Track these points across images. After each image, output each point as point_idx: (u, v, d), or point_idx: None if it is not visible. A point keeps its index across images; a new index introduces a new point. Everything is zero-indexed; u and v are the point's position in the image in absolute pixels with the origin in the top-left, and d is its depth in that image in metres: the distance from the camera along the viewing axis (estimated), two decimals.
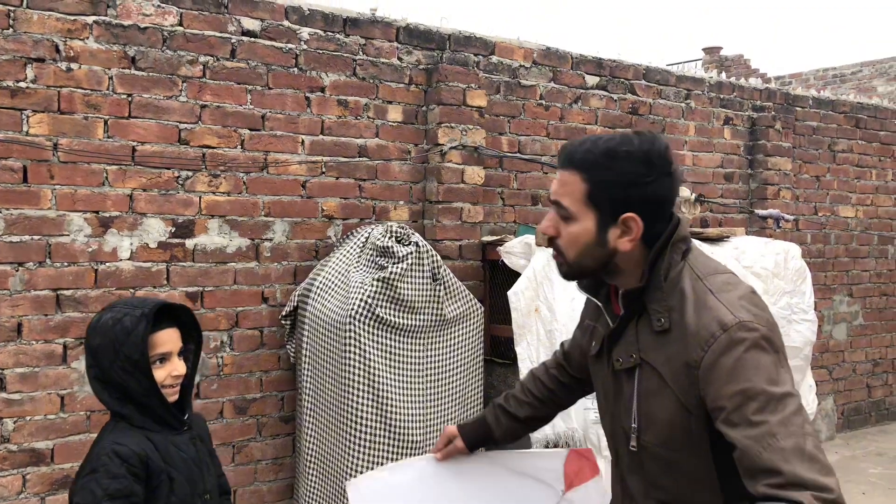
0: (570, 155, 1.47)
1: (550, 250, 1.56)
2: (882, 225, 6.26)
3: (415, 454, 3.38)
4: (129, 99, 3.35)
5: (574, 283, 1.65)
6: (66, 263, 3.25)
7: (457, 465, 1.88)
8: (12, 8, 3.10)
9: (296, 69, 3.73)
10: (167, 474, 1.74)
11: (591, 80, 4.69)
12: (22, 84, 3.13)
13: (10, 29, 3.11)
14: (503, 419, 1.89)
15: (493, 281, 4.15)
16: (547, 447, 3.29)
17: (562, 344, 1.95)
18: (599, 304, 1.59)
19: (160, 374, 1.77)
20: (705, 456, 1.41)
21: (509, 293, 3.61)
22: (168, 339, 1.80)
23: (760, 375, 1.30)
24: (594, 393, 1.74)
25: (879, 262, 6.26)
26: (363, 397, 3.29)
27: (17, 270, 3.16)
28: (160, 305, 1.79)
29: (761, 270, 4.02)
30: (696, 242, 1.57)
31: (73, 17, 3.22)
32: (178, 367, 1.81)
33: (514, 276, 3.80)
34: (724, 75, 5.61)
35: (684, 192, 4.77)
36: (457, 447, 1.88)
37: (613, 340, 1.53)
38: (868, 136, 6.14)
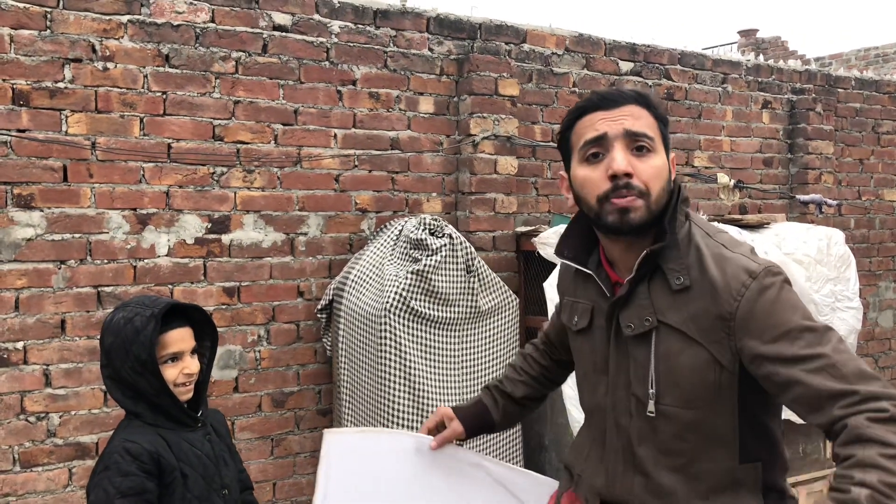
0: (629, 93, 1.47)
1: (623, 197, 1.42)
2: None
3: None
4: (164, 97, 3.38)
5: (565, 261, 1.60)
6: (105, 260, 3.30)
7: (440, 454, 1.76)
8: (49, 9, 3.15)
9: (327, 63, 3.73)
10: (180, 471, 1.75)
11: (626, 66, 4.61)
12: (60, 84, 3.18)
13: (48, 30, 3.15)
14: (500, 400, 1.84)
15: (528, 272, 4.12)
16: None
17: (543, 330, 1.93)
18: (591, 273, 1.54)
19: (172, 372, 1.79)
20: (730, 413, 1.40)
21: (545, 284, 3.58)
22: (179, 338, 1.82)
23: (798, 313, 1.34)
24: None
25: None
26: (399, 390, 3.30)
27: (59, 268, 3.22)
28: (170, 305, 1.80)
29: (803, 257, 3.92)
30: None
31: (108, 17, 3.25)
32: (191, 365, 1.83)
33: (548, 266, 3.76)
34: (761, 58, 5.47)
35: (722, 178, 4.68)
36: (455, 431, 1.78)
37: (620, 307, 1.48)
38: None
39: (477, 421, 1.81)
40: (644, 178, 1.41)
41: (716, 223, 1.58)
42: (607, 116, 1.44)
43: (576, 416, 3.32)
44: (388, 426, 3.30)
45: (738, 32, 13.01)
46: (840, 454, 1.23)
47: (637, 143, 1.42)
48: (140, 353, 1.73)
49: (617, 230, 1.44)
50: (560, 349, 1.86)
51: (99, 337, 1.83)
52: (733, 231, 3.66)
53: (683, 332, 1.40)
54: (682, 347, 1.40)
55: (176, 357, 1.81)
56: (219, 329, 3.45)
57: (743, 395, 1.40)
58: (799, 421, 3.66)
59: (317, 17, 3.70)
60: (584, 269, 1.55)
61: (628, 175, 1.40)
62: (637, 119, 1.44)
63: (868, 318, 5.69)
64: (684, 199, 1.48)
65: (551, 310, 3.51)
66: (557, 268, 3.57)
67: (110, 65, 3.27)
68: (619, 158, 1.40)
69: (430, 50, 4.00)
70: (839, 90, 5.56)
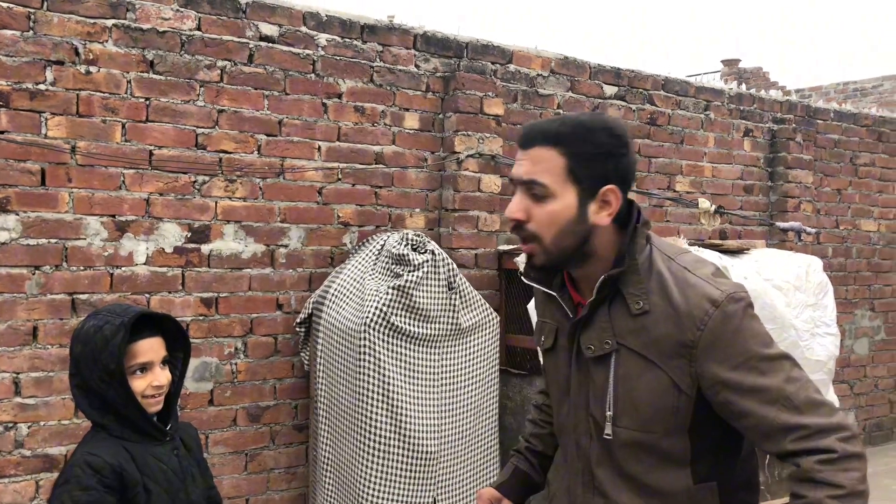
0: (541, 131, 1.43)
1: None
2: None
3: (429, 464, 3.33)
4: (147, 103, 3.35)
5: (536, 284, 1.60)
6: (82, 267, 3.24)
7: None
8: (32, 10, 3.12)
9: (313, 75, 3.72)
10: (144, 486, 1.70)
11: (610, 89, 4.65)
12: (41, 86, 3.14)
13: (31, 31, 3.12)
14: (534, 460, 1.81)
15: (509, 290, 4.11)
16: None
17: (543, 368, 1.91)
18: (555, 294, 1.54)
19: (140, 384, 1.74)
20: (683, 437, 1.42)
21: (529, 307, 3.56)
22: (149, 348, 1.77)
23: (756, 342, 1.38)
24: None
25: None
26: (377, 406, 3.25)
27: (33, 274, 3.15)
28: (141, 314, 1.75)
29: (783, 283, 3.95)
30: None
31: (92, 21, 3.22)
32: (160, 377, 1.78)
33: (529, 285, 3.75)
34: (743, 87, 5.55)
35: (703, 203, 4.71)
36: None
37: (581, 328, 1.49)
38: (891, 150, 6.06)
39: (523, 490, 1.79)
40: (536, 224, 1.42)
41: (684, 244, 1.55)
42: (519, 158, 1.46)
43: None
44: (364, 443, 3.25)
45: (722, 61, 13.22)
46: (792, 489, 1.32)
47: (531, 191, 1.43)
48: (108, 362, 1.68)
49: (527, 273, 1.52)
50: None
51: (70, 345, 1.78)
52: (713, 256, 3.68)
53: (643, 356, 1.41)
54: (642, 371, 1.42)
55: (145, 367, 1.76)
56: (195, 340, 3.43)
57: (698, 418, 1.42)
58: None
59: (304, 29, 3.69)
60: (548, 291, 1.56)
61: (518, 220, 1.44)
62: (535, 164, 1.42)
63: (844, 345, 5.74)
64: (645, 223, 1.48)
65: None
66: None
67: (93, 68, 3.23)
68: (511, 205, 1.45)
69: (417, 66, 4.01)
70: (819, 121, 5.66)
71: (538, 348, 1.66)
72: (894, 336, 6.14)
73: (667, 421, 1.41)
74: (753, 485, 1.55)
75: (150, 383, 1.75)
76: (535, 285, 1.59)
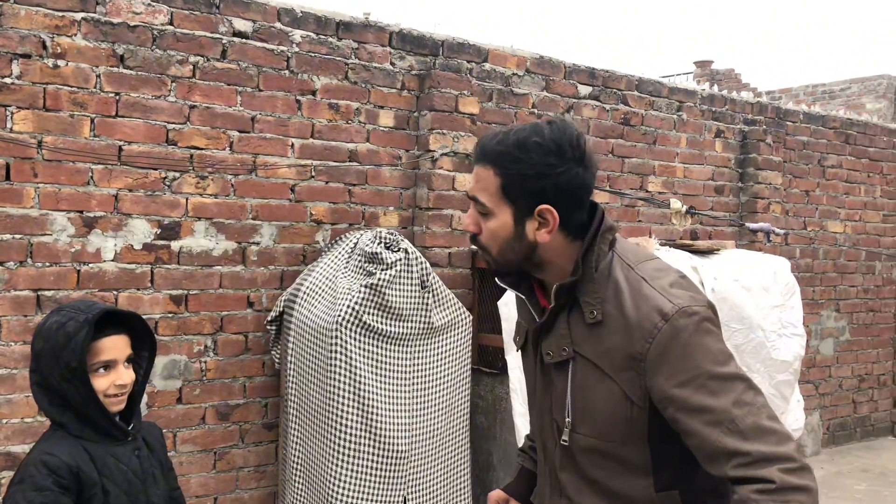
0: (482, 149, 1.46)
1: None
2: (870, 240, 6.28)
3: (399, 463, 3.33)
4: (117, 98, 3.30)
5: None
6: (47, 263, 3.18)
7: None
8: None
9: (287, 71, 3.69)
10: (102, 487, 1.67)
11: (584, 89, 4.67)
12: (7, 80, 3.07)
13: None
14: None
15: (483, 290, 4.12)
16: None
17: None
18: (522, 296, 1.56)
19: (103, 382, 1.71)
20: (642, 446, 1.41)
21: (499, 303, 3.58)
22: (113, 346, 1.73)
23: (707, 359, 1.33)
24: None
25: (867, 277, 6.28)
26: (348, 405, 3.25)
27: None
28: (105, 311, 1.72)
29: (752, 284, 4.00)
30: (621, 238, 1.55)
31: (61, 14, 3.16)
32: (123, 376, 1.74)
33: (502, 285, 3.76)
34: (715, 88, 5.61)
35: (675, 203, 4.76)
36: None
37: (542, 333, 1.50)
38: (857, 153, 6.17)
39: (529, 489, 1.77)
40: (484, 237, 1.48)
41: (643, 249, 1.54)
42: (473, 173, 1.49)
43: (522, 431, 3.32)
44: (335, 441, 3.24)
45: (694, 63, 13.35)
46: None
47: (476, 207, 1.48)
48: (70, 359, 1.64)
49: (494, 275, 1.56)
50: None
51: (31, 341, 1.75)
52: (683, 256, 3.72)
53: (597, 366, 1.41)
54: (596, 381, 1.41)
55: (108, 366, 1.72)
56: (165, 338, 3.39)
57: (654, 428, 1.40)
58: None
59: (278, 25, 3.66)
60: (517, 293, 1.58)
61: (473, 234, 1.49)
62: (477, 182, 1.47)
63: (810, 345, 5.84)
64: (608, 229, 1.46)
65: (506, 328, 3.51)
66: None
67: (61, 62, 3.17)
68: (466, 216, 1.50)
69: (392, 64, 4.00)
70: (788, 123, 5.74)
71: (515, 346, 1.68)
72: (858, 337, 6.26)
73: (622, 430, 1.41)
74: (721, 492, 1.52)
75: (112, 382, 1.72)
76: (505, 286, 1.60)
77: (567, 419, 1.44)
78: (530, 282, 1.56)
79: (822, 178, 5.95)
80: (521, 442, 3.35)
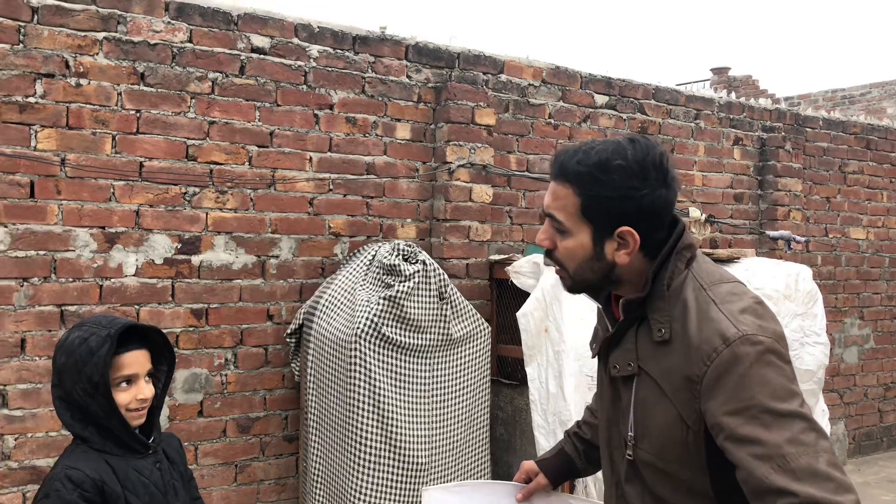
0: (561, 167, 1.42)
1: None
2: (893, 247, 6.19)
3: (419, 476, 3.33)
4: (138, 115, 3.35)
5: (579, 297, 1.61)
6: (70, 279, 3.23)
7: (533, 499, 1.80)
8: (23, 23, 3.11)
9: (304, 86, 3.73)
10: (125, 500, 1.69)
11: (601, 99, 4.67)
12: (31, 99, 3.13)
13: (21, 44, 3.11)
14: (581, 446, 1.82)
15: (501, 300, 4.12)
16: None
17: None
18: (600, 305, 1.56)
19: (125, 397, 1.73)
20: (701, 472, 1.36)
21: (518, 314, 3.57)
22: (135, 360, 1.76)
23: (764, 392, 1.26)
24: None
25: (891, 284, 6.19)
26: (368, 417, 3.25)
27: (21, 285, 3.14)
28: (127, 326, 1.74)
29: (772, 292, 3.96)
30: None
31: (83, 34, 3.22)
32: (145, 390, 1.77)
33: (521, 294, 3.76)
34: (733, 95, 5.58)
35: (694, 212, 4.73)
36: (539, 483, 1.78)
37: (611, 346, 1.49)
38: (879, 158, 6.10)
39: (561, 472, 1.81)
40: (559, 254, 1.46)
41: (725, 270, 1.50)
42: (548, 189, 1.48)
43: (543, 444, 3.30)
44: (355, 454, 3.25)
45: (711, 70, 13.27)
46: None
47: (552, 223, 1.45)
48: (93, 374, 1.67)
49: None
50: None
51: (53, 356, 1.77)
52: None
53: (658, 385, 1.39)
54: (657, 399, 1.40)
55: (130, 380, 1.75)
56: (185, 352, 3.42)
57: (712, 456, 1.35)
58: None
59: (295, 40, 3.70)
60: (595, 302, 1.58)
61: (547, 248, 1.47)
62: (554, 199, 1.44)
63: (834, 354, 5.77)
64: (686, 247, 1.43)
65: (525, 340, 3.50)
66: (531, 297, 3.57)
67: (84, 81, 3.23)
68: (540, 231, 1.48)
69: (409, 77, 4.02)
70: (808, 129, 5.69)
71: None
72: (883, 344, 6.17)
73: (679, 452, 1.37)
74: None
75: (134, 396, 1.74)
76: (584, 295, 1.58)
77: (630, 433, 1.43)
78: (608, 292, 1.55)
79: (843, 184, 5.89)
80: (541, 454, 3.33)
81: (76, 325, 1.78)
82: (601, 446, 1.61)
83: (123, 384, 1.73)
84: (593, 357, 1.63)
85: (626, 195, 1.37)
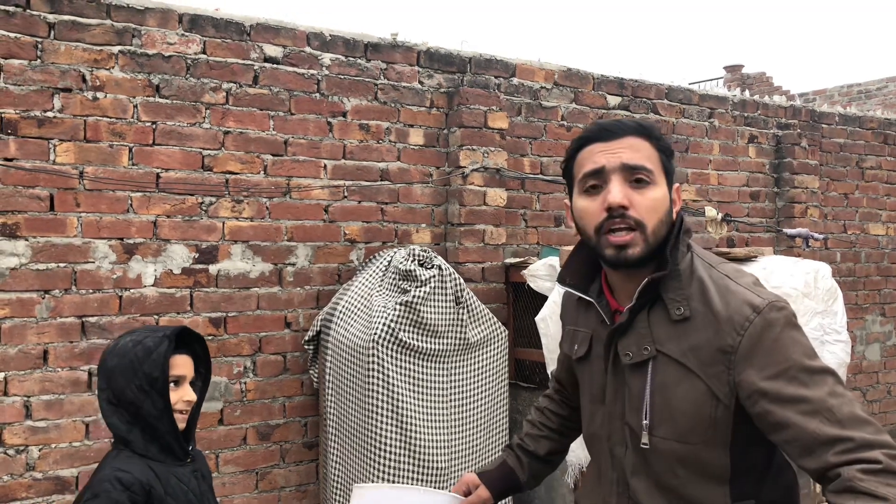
0: (629, 124, 1.46)
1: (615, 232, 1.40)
2: None
3: (439, 480, 3.33)
4: (154, 126, 3.38)
5: (564, 288, 1.60)
6: (91, 290, 3.27)
7: None
8: (40, 39, 3.16)
9: (318, 94, 3.75)
10: None
11: (613, 100, 4.66)
12: (49, 114, 3.18)
13: (38, 60, 3.16)
14: (525, 458, 1.79)
15: (517, 303, 4.11)
16: (583, 472, 3.23)
17: (551, 376, 1.88)
18: (592, 300, 1.53)
19: (173, 396, 1.79)
20: (723, 451, 1.39)
21: (537, 319, 3.57)
22: (183, 363, 1.83)
23: (798, 351, 1.32)
24: None
25: None
26: (387, 422, 3.26)
27: (43, 298, 3.18)
28: (181, 329, 1.83)
29: (791, 290, 3.93)
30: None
31: (99, 48, 3.26)
32: (190, 393, 1.83)
33: (537, 297, 3.75)
34: (746, 93, 5.55)
35: (710, 211, 4.71)
36: (480, 497, 1.72)
37: (619, 335, 1.47)
38: None
39: (503, 484, 1.75)
40: (640, 210, 1.40)
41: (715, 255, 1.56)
42: (606, 149, 1.43)
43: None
44: (374, 459, 3.25)
45: (724, 68, 13.21)
46: (829, 500, 1.24)
47: (635, 176, 1.41)
48: (152, 370, 1.73)
49: (614, 265, 1.44)
50: (573, 389, 1.79)
51: (98, 363, 1.83)
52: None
53: (682, 364, 1.39)
54: (679, 379, 1.39)
55: (178, 381, 1.82)
56: None
57: (737, 430, 1.38)
58: None
59: (308, 49, 3.73)
60: (585, 297, 1.55)
61: (624, 207, 1.39)
62: (636, 151, 1.42)
63: (856, 351, 5.71)
64: (686, 230, 1.47)
65: (546, 344, 3.49)
66: (549, 301, 3.56)
67: (100, 94, 3.27)
68: (615, 192, 1.40)
69: (421, 83, 4.03)
70: (823, 126, 5.64)
71: (570, 356, 1.65)
72: None
73: (704, 433, 1.38)
74: (791, 502, 1.50)
75: (181, 397, 1.81)
76: (572, 291, 1.58)
77: (644, 421, 1.42)
78: (600, 285, 1.55)
79: (860, 180, 5.83)
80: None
81: (123, 333, 1.85)
82: (595, 447, 1.57)
83: (172, 384, 1.79)
84: (577, 357, 1.60)
85: (673, 154, 1.48)
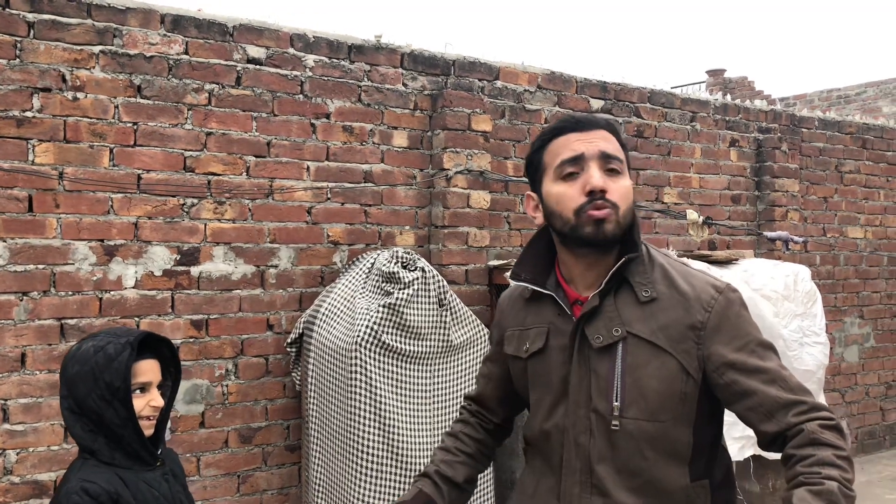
0: (592, 119, 1.56)
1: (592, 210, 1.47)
2: (891, 245, 6.21)
3: None
4: (135, 127, 3.36)
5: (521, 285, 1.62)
6: (70, 292, 3.23)
7: None
8: (19, 38, 3.12)
9: (301, 96, 3.74)
10: None
11: (596, 103, 4.69)
12: (28, 114, 3.14)
13: (17, 59, 3.12)
14: (444, 487, 1.70)
15: None
16: None
17: (467, 398, 1.84)
18: (551, 293, 1.55)
19: (139, 403, 1.74)
20: (688, 426, 1.47)
21: None
22: (149, 369, 1.78)
23: (753, 328, 1.50)
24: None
25: (890, 282, 6.20)
26: (369, 425, 3.25)
27: (21, 300, 3.14)
28: (145, 335, 1.77)
29: (771, 293, 3.97)
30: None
31: (79, 47, 3.23)
32: (157, 398, 1.78)
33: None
34: (728, 97, 5.60)
35: (692, 214, 4.74)
36: None
37: (586, 320, 1.51)
38: (875, 157, 6.12)
39: None
40: (616, 196, 1.49)
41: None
42: (583, 138, 1.51)
43: None
44: (356, 462, 3.24)
45: (707, 72, 13.31)
46: (796, 454, 1.37)
47: (609, 165, 1.50)
48: (113, 379, 1.68)
49: (592, 240, 1.49)
50: (497, 408, 1.77)
51: (60, 368, 1.78)
52: (702, 267, 3.70)
53: (652, 343, 1.47)
54: (650, 358, 1.46)
55: (144, 388, 1.77)
56: (186, 363, 3.42)
57: (701, 411, 1.48)
58: (770, 456, 3.68)
59: (291, 50, 3.71)
60: (544, 290, 1.57)
61: (604, 191, 1.47)
62: (609, 142, 1.52)
63: (834, 353, 5.77)
64: (638, 223, 1.59)
65: None
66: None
67: (80, 95, 3.24)
68: (597, 175, 1.48)
69: (405, 85, 4.03)
70: (804, 130, 5.71)
71: (516, 357, 1.62)
72: (884, 343, 6.17)
73: (674, 409, 1.46)
74: (731, 481, 1.60)
75: (148, 402, 1.76)
76: (529, 286, 1.59)
77: (616, 403, 1.46)
78: (555, 278, 1.58)
79: (839, 183, 5.91)
80: None
81: (85, 337, 1.80)
82: (551, 442, 1.56)
83: (137, 391, 1.75)
84: (531, 353, 1.58)
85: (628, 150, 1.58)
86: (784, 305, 4.00)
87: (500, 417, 1.80)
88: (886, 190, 6.18)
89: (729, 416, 1.57)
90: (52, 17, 3.17)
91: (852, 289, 5.99)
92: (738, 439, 3.58)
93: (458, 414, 1.88)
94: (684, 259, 1.57)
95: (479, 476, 1.80)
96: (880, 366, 6.16)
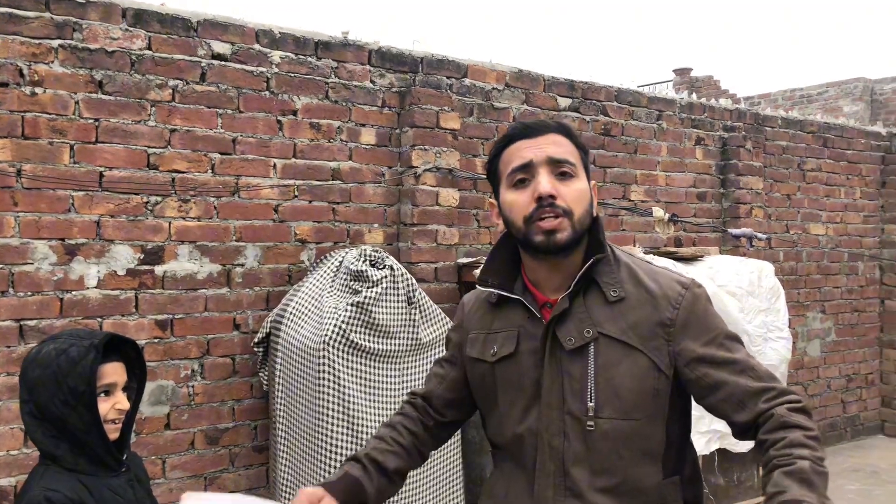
0: (546, 123, 1.57)
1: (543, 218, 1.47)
2: (852, 242, 6.34)
3: None
4: (96, 124, 3.29)
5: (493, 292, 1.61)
6: (29, 293, 3.16)
7: None
8: None
9: (267, 92, 3.70)
10: None
11: (564, 101, 4.71)
12: None
13: None
14: (373, 471, 1.62)
15: None
16: None
17: (413, 394, 1.79)
18: (518, 297, 1.55)
19: (104, 406, 1.70)
20: (662, 422, 1.49)
21: None
22: (114, 371, 1.73)
23: (720, 322, 1.54)
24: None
25: (850, 278, 6.33)
26: (337, 424, 3.23)
27: None
28: (109, 337, 1.72)
29: (736, 289, 4.03)
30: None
31: (37, 41, 3.16)
32: (123, 401, 1.74)
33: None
34: (694, 96, 5.67)
35: (658, 212, 4.79)
36: None
37: (557, 322, 1.51)
38: (835, 155, 6.24)
39: (350, 496, 1.56)
40: (567, 200, 1.49)
41: (640, 256, 1.67)
42: (532, 144, 1.52)
43: None
44: (324, 461, 3.22)
45: (674, 71, 13.46)
46: (768, 439, 1.40)
47: (560, 169, 1.51)
48: (77, 383, 1.63)
49: (545, 250, 1.50)
50: (444, 409, 1.74)
51: (20, 372, 1.72)
52: (667, 264, 3.75)
53: (623, 342, 1.48)
54: (622, 357, 1.48)
55: (108, 391, 1.72)
56: (151, 363, 3.37)
57: (672, 403, 1.50)
58: (734, 449, 3.74)
59: (257, 46, 3.67)
60: (511, 295, 1.57)
61: (552, 196, 1.48)
62: (559, 146, 1.52)
63: (797, 347, 5.89)
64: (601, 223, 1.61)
65: None
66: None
67: (39, 90, 3.16)
68: (544, 182, 1.48)
69: (373, 82, 4.01)
70: (767, 128, 5.80)
71: (480, 361, 1.61)
72: (844, 337, 6.31)
73: (648, 406, 1.47)
74: (698, 476, 1.63)
75: (113, 405, 1.72)
76: (496, 291, 1.58)
77: (590, 404, 1.47)
78: (522, 282, 1.58)
79: (802, 181, 6.02)
80: None
81: (46, 339, 1.74)
82: (524, 446, 1.54)
83: (102, 394, 1.70)
84: (499, 358, 1.56)
85: (588, 153, 1.60)
86: (748, 301, 4.06)
87: (446, 419, 1.74)
88: (847, 188, 6.31)
89: (696, 411, 1.59)
90: (9, 10, 3.09)
91: (814, 284, 6.11)
92: (705, 434, 3.63)
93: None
94: (648, 257, 1.57)
95: (408, 472, 1.70)
96: (841, 359, 6.29)
